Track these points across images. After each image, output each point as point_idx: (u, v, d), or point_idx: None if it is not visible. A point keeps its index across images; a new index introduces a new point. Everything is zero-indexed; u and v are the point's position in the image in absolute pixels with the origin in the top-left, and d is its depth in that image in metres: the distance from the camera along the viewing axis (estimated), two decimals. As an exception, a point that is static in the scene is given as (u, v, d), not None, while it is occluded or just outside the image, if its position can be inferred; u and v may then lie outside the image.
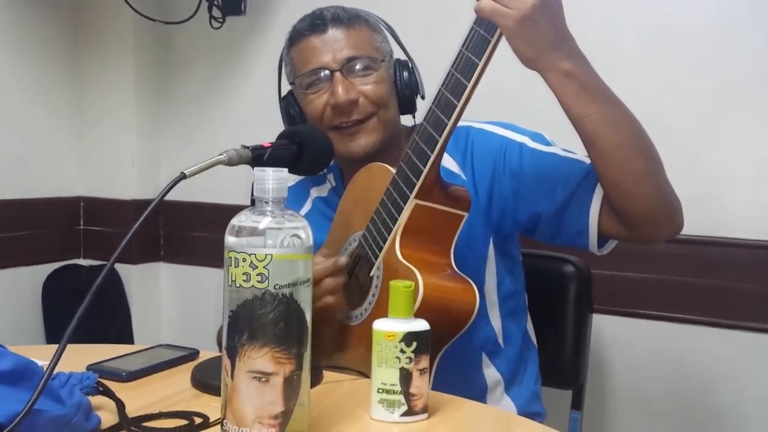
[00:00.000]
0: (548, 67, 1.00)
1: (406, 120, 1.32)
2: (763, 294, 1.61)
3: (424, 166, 1.02)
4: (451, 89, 1.00)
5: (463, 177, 1.22)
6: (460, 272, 1.05)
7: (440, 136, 1.01)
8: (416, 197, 1.03)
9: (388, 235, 1.06)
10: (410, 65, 1.28)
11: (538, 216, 1.18)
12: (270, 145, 1.01)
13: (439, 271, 1.04)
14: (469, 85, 0.98)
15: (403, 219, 1.04)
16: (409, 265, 1.01)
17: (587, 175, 1.14)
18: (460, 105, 0.99)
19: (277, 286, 0.75)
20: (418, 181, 1.03)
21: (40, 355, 0.91)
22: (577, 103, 1.02)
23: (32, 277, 2.28)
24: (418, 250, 1.04)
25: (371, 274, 1.09)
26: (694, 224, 1.62)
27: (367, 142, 1.24)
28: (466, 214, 1.07)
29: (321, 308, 1.02)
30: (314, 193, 1.38)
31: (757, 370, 1.63)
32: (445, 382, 1.03)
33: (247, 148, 0.98)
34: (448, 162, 1.21)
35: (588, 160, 1.15)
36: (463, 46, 1.00)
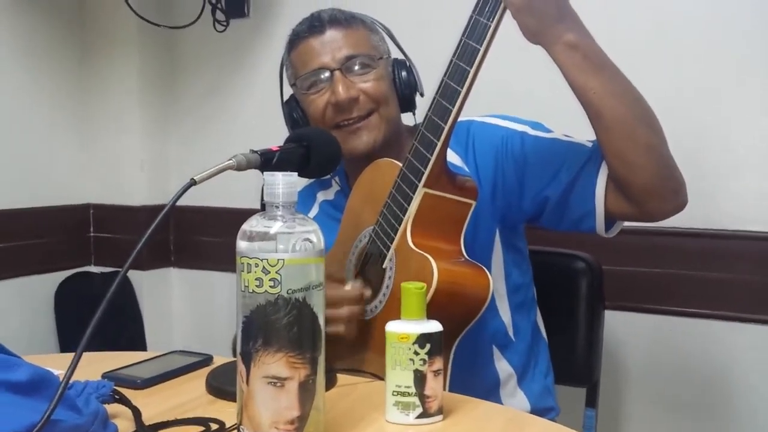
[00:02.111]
0: (553, 40, 1.02)
1: (407, 119, 1.33)
2: (776, 286, 1.60)
3: (431, 155, 1.04)
4: (454, 77, 1.02)
5: (467, 170, 1.23)
6: (471, 259, 1.06)
7: (445, 124, 1.03)
8: (425, 186, 1.05)
9: (399, 225, 1.07)
10: (408, 64, 1.30)
11: (545, 201, 1.19)
12: (278, 148, 1.01)
13: (451, 257, 1.05)
14: (472, 71, 1.00)
15: (413, 208, 1.05)
16: (422, 253, 1.02)
17: (591, 157, 1.15)
18: (463, 91, 1.01)
19: (289, 291, 0.75)
20: (426, 169, 1.04)
21: (55, 364, 0.91)
22: (581, 75, 1.04)
23: (44, 286, 2.28)
24: (429, 239, 1.05)
25: (384, 266, 1.09)
26: (703, 217, 1.63)
27: (369, 139, 1.25)
28: (473, 203, 1.08)
29: (329, 334, 1.01)
30: (321, 196, 1.38)
31: (773, 362, 1.62)
32: (458, 376, 1.04)
33: (256, 152, 0.98)
34: (451, 156, 1.22)
35: (590, 144, 1.17)
36: (463, 35, 1.03)
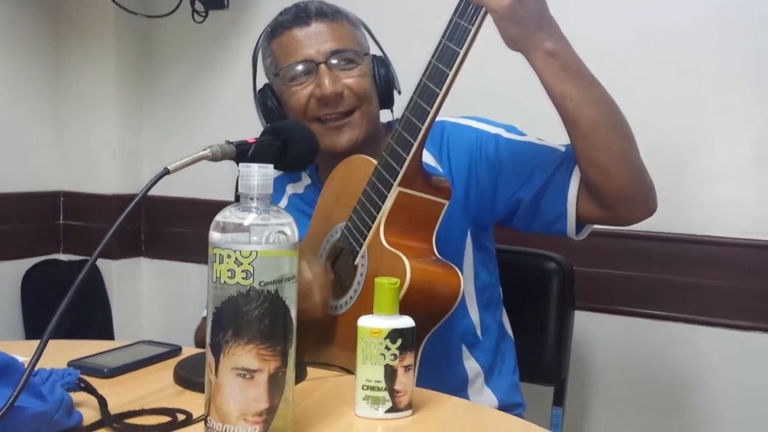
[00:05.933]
0: (532, 47, 1.03)
1: (384, 115, 1.33)
2: (743, 291, 1.63)
3: (407, 154, 1.04)
4: (433, 78, 1.02)
5: (440, 170, 1.23)
6: (442, 258, 1.06)
7: (423, 124, 1.03)
8: (399, 185, 1.05)
9: (372, 223, 1.07)
10: (386, 61, 1.30)
11: (517, 203, 1.20)
12: (254, 140, 1.00)
13: (423, 256, 1.05)
14: (450, 73, 1.00)
15: (387, 206, 1.05)
16: (395, 251, 1.02)
17: (564, 161, 1.17)
18: (441, 93, 1.01)
19: (262, 283, 0.75)
20: (401, 168, 1.04)
21: (20, 351, 0.90)
22: (559, 83, 1.05)
23: (11, 272, 2.25)
24: (402, 237, 1.05)
25: (356, 263, 1.09)
26: (674, 222, 1.65)
27: (351, 137, 1.25)
28: (446, 203, 1.09)
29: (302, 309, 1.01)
30: (290, 189, 1.38)
31: (737, 367, 1.64)
32: (427, 374, 1.04)
33: (231, 143, 0.97)
34: (426, 156, 1.22)
35: (563, 148, 1.18)
36: (443, 37, 1.02)
